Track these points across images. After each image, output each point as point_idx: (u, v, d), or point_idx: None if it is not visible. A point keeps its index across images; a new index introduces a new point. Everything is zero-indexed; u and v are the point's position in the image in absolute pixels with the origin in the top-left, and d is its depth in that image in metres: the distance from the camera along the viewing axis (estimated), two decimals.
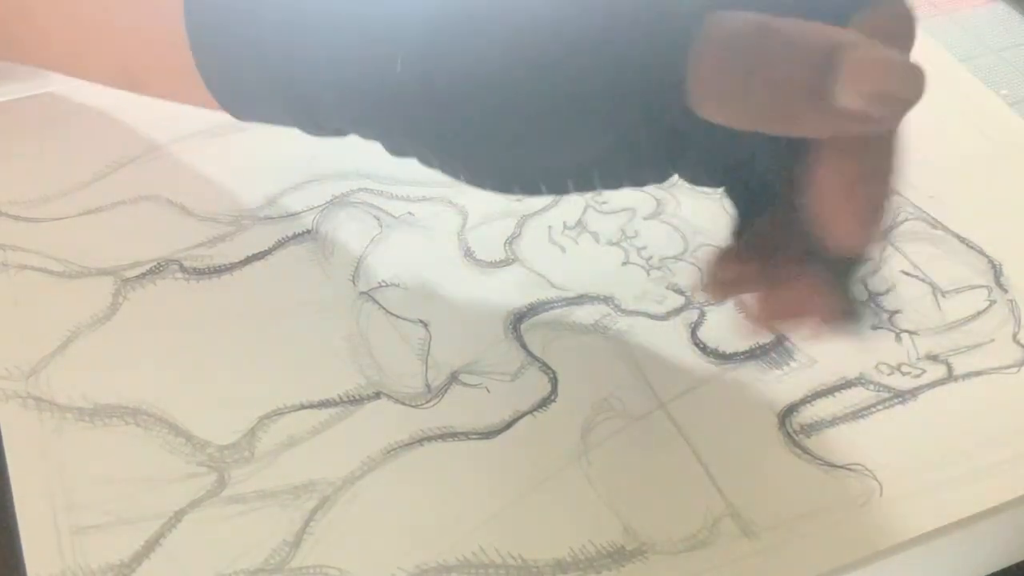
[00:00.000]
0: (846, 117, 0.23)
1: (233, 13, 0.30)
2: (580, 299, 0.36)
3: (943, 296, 0.36)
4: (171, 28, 0.31)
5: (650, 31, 0.25)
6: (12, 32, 0.36)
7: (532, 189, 0.29)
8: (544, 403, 0.33)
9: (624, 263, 0.37)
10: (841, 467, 0.31)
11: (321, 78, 0.29)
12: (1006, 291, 0.37)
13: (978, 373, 0.34)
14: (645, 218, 0.38)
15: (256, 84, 0.31)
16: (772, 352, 0.34)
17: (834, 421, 0.33)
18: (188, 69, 0.32)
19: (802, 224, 0.25)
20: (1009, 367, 0.34)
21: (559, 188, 0.29)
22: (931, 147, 0.42)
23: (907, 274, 0.37)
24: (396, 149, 0.30)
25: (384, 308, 0.35)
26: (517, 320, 0.35)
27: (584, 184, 0.29)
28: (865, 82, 0.22)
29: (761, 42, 0.24)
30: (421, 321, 0.35)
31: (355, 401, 0.33)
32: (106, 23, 0.34)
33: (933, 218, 0.39)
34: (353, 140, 0.31)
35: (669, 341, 0.35)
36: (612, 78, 0.26)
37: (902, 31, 0.25)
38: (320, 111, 0.31)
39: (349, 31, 0.28)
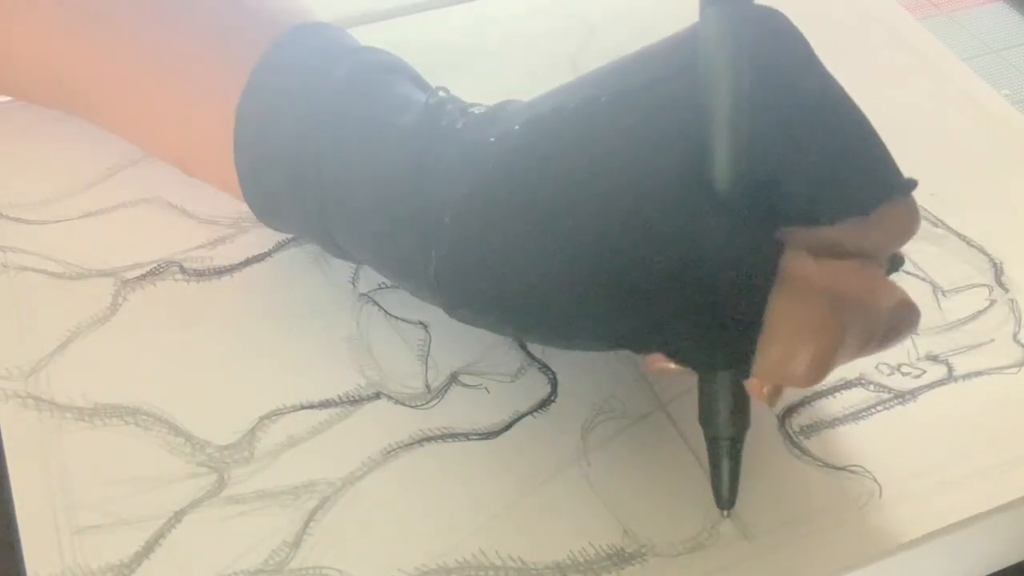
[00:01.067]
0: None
1: (280, 151, 0.32)
2: None
3: (943, 295, 0.36)
4: (220, 141, 0.33)
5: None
6: (87, 116, 0.39)
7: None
8: (544, 403, 0.33)
9: None
10: (841, 468, 0.31)
11: (353, 243, 0.32)
12: (1007, 290, 0.37)
13: (978, 373, 0.34)
14: None
15: (289, 218, 0.33)
16: None
17: (834, 422, 0.32)
18: (234, 182, 0.34)
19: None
20: (1009, 367, 0.34)
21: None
22: (932, 145, 0.42)
23: (908, 273, 0.37)
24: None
25: (384, 309, 0.35)
26: None
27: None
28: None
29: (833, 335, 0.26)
30: (421, 322, 0.35)
31: (355, 401, 0.33)
32: (162, 123, 0.35)
33: (934, 216, 0.39)
34: None
35: None
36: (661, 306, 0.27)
37: (909, 228, 0.29)
38: (350, 258, 0.34)
39: (380, 211, 0.30)
